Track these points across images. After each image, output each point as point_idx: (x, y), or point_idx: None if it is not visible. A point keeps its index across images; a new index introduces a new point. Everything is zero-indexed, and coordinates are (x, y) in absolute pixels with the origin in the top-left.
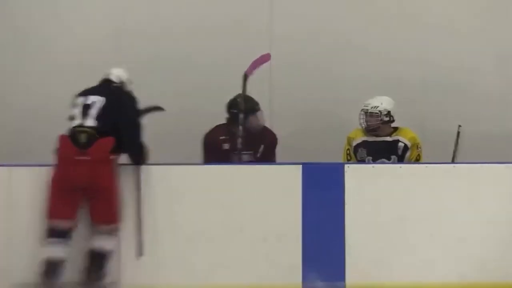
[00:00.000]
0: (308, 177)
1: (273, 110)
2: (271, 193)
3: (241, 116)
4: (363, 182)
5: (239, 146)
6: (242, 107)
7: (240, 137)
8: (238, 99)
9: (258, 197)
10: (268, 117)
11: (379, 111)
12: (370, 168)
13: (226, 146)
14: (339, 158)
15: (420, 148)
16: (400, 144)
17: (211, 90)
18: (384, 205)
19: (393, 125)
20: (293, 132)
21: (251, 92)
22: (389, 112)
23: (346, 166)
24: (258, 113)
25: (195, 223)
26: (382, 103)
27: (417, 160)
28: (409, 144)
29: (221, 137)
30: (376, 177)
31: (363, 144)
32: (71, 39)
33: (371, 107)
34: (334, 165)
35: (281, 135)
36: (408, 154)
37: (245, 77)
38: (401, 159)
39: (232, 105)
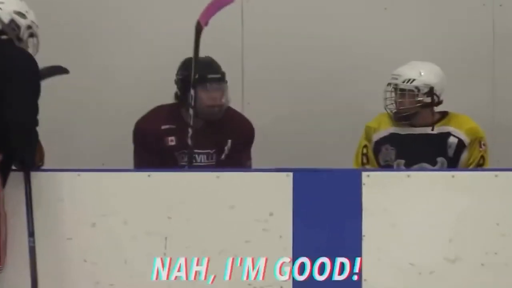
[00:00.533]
0: (303, 192)
1: (246, 86)
2: (244, 218)
3: (192, 90)
4: (393, 201)
5: (189, 140)
6: (193, 72)
7: (190, 127)
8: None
9: (222, 223)
10: (239, 98)
11: (416, 87)
12: (404, 178)
13: (171, 140)
14: (348, 161)
15: (485, 145)
16: (452, 140)
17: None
18: (428, 239)
19: (439, 109)
20: (276, 120)
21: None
22: (431, 88)
23: (364, 174)
24: (212, 86)
25: (122, 269)
26: (421, 73)
27: (481, 165)
28: (466, 139)
29: (163, 127)
30: (413, 193)
31: (392, 139)
32: None
33: (403, 81)
34: (345, 173)
35: (258, 125)
36: (465, 155)
37: (198, 27)
38: (453, 164)
39: (183, 68)
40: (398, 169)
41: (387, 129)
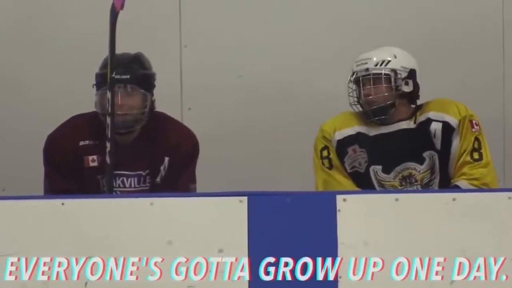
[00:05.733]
0: (261, 222)
1: (185, 87)
2: (186, 256)
3: (108, 93)
4: (377, 233)
5: (107, 158)
6: (109, 69)
7: (108, 139)
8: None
9: (156, 263)
10: (177, 103)
11: (393, 69)
12: (392, 202)
13: (92, 160)
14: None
15: (478, 125)
16: (435, 126)
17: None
18: (423, 284)
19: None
20: (224, 130)
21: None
22: (412, 71)
23: (339, 198)
24: (119, 89)
25: None
26: (395, 55)
27: (477, 151)
28: (453, 120)
29: (82, 143)
30: (403, 223)
31: (360, 139)
32: None
33: (376, 63)
34: (314, 197)
35: (201, 137)
36: (456, 142)
37: (114, 12)
38: (446, 159)
39: (101, 66)
40: (384, 191)
41: (352, 127)
